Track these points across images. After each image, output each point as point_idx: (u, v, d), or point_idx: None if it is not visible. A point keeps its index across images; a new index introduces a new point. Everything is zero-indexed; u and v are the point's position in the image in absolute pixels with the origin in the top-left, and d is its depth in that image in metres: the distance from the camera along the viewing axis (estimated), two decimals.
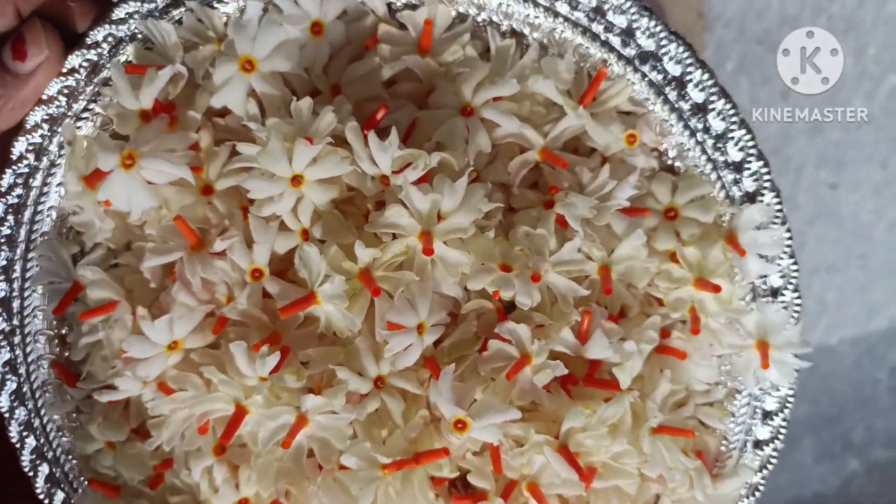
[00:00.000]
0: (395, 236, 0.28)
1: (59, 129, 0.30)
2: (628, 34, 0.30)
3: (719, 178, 0.31)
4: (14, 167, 0.32)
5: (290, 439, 0.27)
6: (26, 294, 0.34)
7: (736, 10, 0.51)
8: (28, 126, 0.31)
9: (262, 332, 0.28)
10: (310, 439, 0.28)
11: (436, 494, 0.29)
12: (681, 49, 0.29)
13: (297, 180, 0.27)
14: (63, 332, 0.35)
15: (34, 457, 0.35)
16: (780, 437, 0.34)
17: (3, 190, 0.32)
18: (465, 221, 0.27)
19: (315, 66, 0.30)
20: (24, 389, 0.34)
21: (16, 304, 0.34)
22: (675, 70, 0.30)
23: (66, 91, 0.31)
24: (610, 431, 0.30)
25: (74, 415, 0.35)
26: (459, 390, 0.28)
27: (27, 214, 0.33)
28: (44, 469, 0.35)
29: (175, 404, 0.29)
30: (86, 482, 0.35)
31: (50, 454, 0.35)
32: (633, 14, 0.29)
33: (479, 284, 0.28)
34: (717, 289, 0.29)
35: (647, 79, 0.30)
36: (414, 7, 0.30)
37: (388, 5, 0.31)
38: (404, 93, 0.30)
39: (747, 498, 0.35)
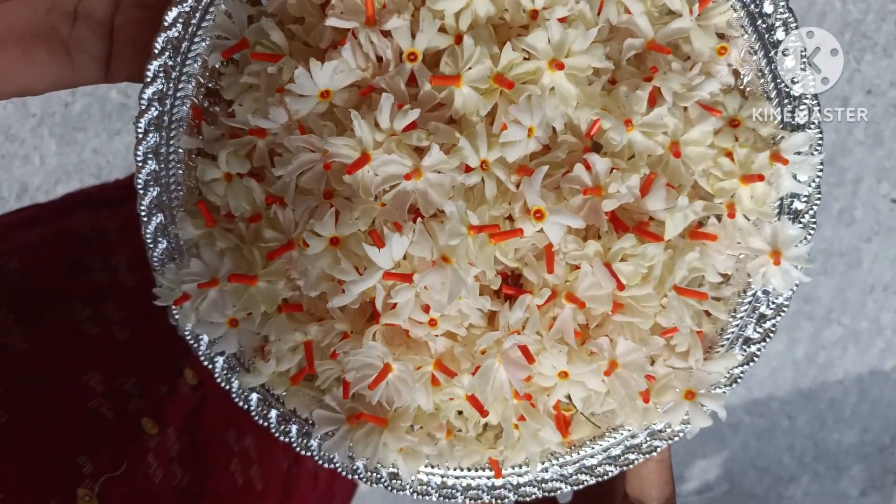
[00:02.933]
0: (529, 58, 0.35)
1: None
2: None
3: (780, 105, 0.38)
4: None
5: (409, 177, 0.33)
6: (196, 40, 0.40)
7: None
8: None
9: (401, 103, 0.35)
10: (417, 192, 0.34)
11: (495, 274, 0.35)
12: None
13: None
14: (210, 84, 0.41)
15: (149, 178, 0.40)
16: (769, 337, 0.41)
17: None
18: (586, 62, 0.34)
19: None
20: (164, 119, 0.40)
21: (184, 45, 0.40)
22: (769, 8, 0.37)
23: None
24: (642, 279, 0.37)
25: (195, 155, 0.41)
26: (544, 192, 0.34)
27: None
28: (153, 191, 0.41)
29: (307, 143, 0.35)
30: (183, 212, 0.41)
31: (164, 179, 0.41)
32: None
33: (585, 114, 0.35)
34: (761, 177, 0.36)
35: (746, 9, 0.38)
36: None
37: None
38: None
39: (727, 386, 0.41)
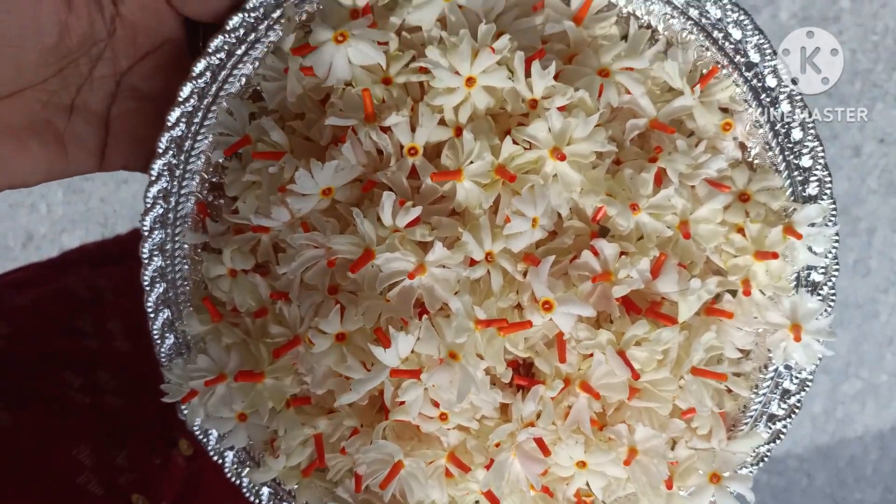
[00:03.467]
0: (531, 147, 0.34)
1: (283, 8, 0.38)
2: (741, 45, 0.37)
3: (790, 177, 0.37)
4: (225, 36, 0.39)
5: (412, 275, 0.32)
6: (199, 138, 0.40)
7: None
8: (248, 6, 0.39)
9: (403, 198, 0.35)
10: (422, 287, 0.33)
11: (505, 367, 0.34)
12: (781, 66, 0.37)
13: (470, 82, 0.34)
14: (214, 179, 0.41)
15: (156, 275, 0.40)
16: (794, 415, 0.39)
17: (210, 51, 0.39)
18: (588, 149, 0.34)
19: (491, 13, 0.37)
20: (169, 216, 0.40)
21: (187, 143, 0.40)
22: (772, 82, 0.37)
23: None
24: (658, 363, 0.36)
25: (200, 250, 0.41)
26: (551, 281, 0.34)
27: (222, 75, 0.39)
28: (159, 288, 0.41)
29: (311, 241, 0.35)
30: (190, 308, 0.41)
31: (170, 275, 0.41)
32: (748, 29, 0.37)
33: (590, 200, 0.34)
34: (775, 255, 0.35)
35: (748, 84, 0.37)
36: None
37: None
38: (554, 51, 0.38)
39: (754, 465, 0.39)
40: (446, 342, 0.32)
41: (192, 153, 0.40)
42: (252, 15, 0.39)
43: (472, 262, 0.34)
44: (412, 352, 0.34)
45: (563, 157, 0.33)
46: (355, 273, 0.33)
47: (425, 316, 0.33)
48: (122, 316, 0.54)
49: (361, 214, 0.34)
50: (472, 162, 0.33)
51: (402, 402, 0.34)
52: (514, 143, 0.34)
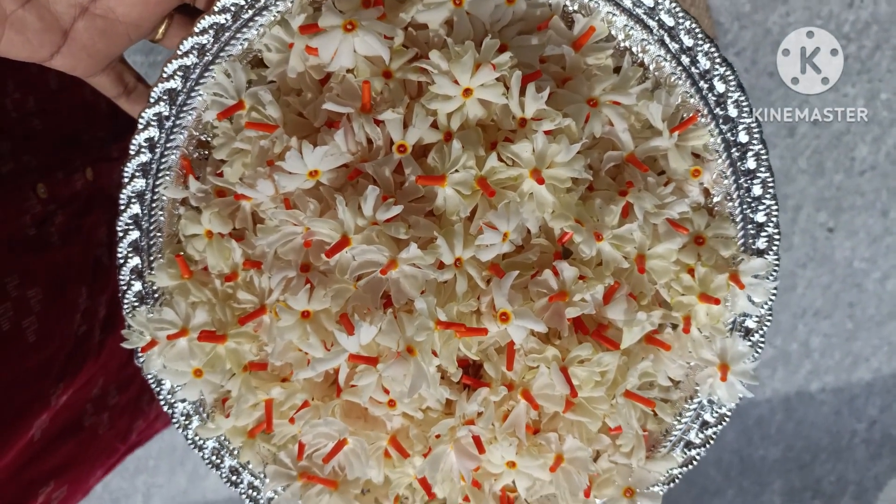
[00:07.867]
0: (513, 164, 0.36)
1: None
2: (722, 98, 0.39)
3: (744, 229, 0.40)
4: None
5: (385, 271, 0.34)
6: (193, 94, 0.40)
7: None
8: None
9: (386, 192, 0.36)
10: (391, 281, 0.35)
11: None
12: (754, 124, 0.39)
13: (467, 92, 0.35)
14: (202, 137, 0.41)
15: (131, 223, 0.41)
16: (708, 444, 0.43)
17: (216, 10, 0.39)
18: (566, 174, 0.36)
19: (497, 24, 0.39)
20: (152, 166, 0.41)
21: (181, 98, 0.40)
22: (743, 138, 0.40)
23: None
24: (596, 384, 0.38)
25: (179, 205, 0.42)
26: (511, 294, 0.36)
27: (226, 36, 0.40)
28: (133, 234, 0.41)
29: (291, 218, 0.36)
30: (160, 258, 0.42)
31: (145, 224, 0.41)
32: (732, 85, 0.39)
33: (559, 223, 0.36)
34: (717, 301, 0.38)
35: (722, 136, 0.40)
36: (584, 14, 0.39)
37: (563, 6, 0.40)
38: (550, 72, 0.39)
39: (665, 485, 0.43)
40: (406, 337, 0.34)
41: (185, 108, 0.41)
42: None
43: (441, 265, 0.35)
44: (372, 340, 0.36)
45: (541, 181, 0.35)
46: (330, 258, 0.35)
47: (389, 309, 0.35)
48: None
49: (344, 202, 0.35)
50: (456, 170, 0.35)
51: (355, 385, 0.36)
52: (499, 158, 0.36)
